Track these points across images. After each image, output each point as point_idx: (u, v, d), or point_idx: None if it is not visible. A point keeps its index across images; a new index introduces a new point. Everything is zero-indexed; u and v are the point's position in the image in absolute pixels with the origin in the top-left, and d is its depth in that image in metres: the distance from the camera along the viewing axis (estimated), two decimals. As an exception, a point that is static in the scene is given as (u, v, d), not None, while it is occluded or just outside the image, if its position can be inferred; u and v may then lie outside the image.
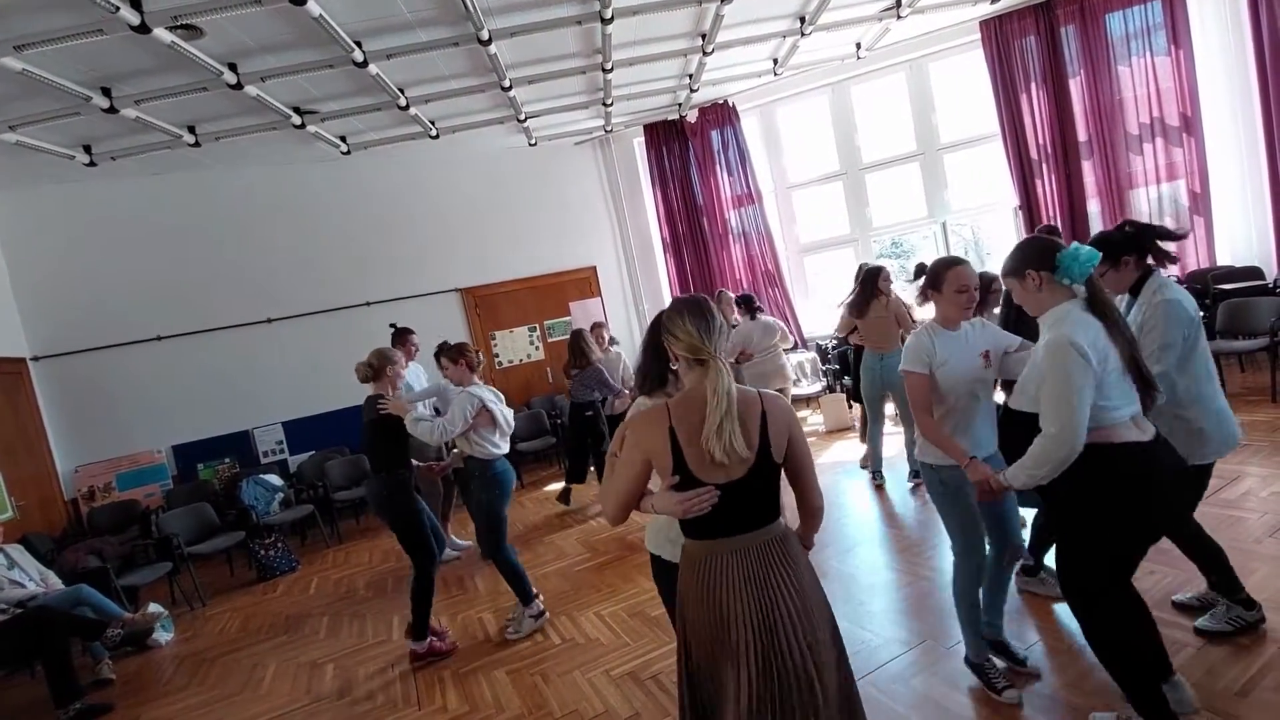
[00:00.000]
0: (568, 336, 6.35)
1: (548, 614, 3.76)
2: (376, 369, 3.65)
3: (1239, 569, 2.68)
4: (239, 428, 7.08)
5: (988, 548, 2.46)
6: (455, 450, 3.94)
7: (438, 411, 5.02)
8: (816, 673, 1.62)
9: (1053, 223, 6.94)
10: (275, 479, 6.58)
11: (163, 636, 4.65)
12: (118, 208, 6.71)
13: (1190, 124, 6.43)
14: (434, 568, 3.66)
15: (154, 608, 4.67)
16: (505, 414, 3.75)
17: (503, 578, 3.78)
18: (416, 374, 5.45)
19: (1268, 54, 5.80)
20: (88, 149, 5.64)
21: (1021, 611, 2.94)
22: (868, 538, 4.17)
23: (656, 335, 1.85)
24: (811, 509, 1.87)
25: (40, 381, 6.52)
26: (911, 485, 4.78)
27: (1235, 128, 6.38)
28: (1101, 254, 2.04)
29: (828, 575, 3.64)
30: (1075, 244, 1.94)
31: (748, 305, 5.80)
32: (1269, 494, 3.54)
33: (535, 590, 3.82)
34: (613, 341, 6.57)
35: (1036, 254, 1.98)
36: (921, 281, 2.44)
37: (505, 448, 3.75)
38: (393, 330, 5.51)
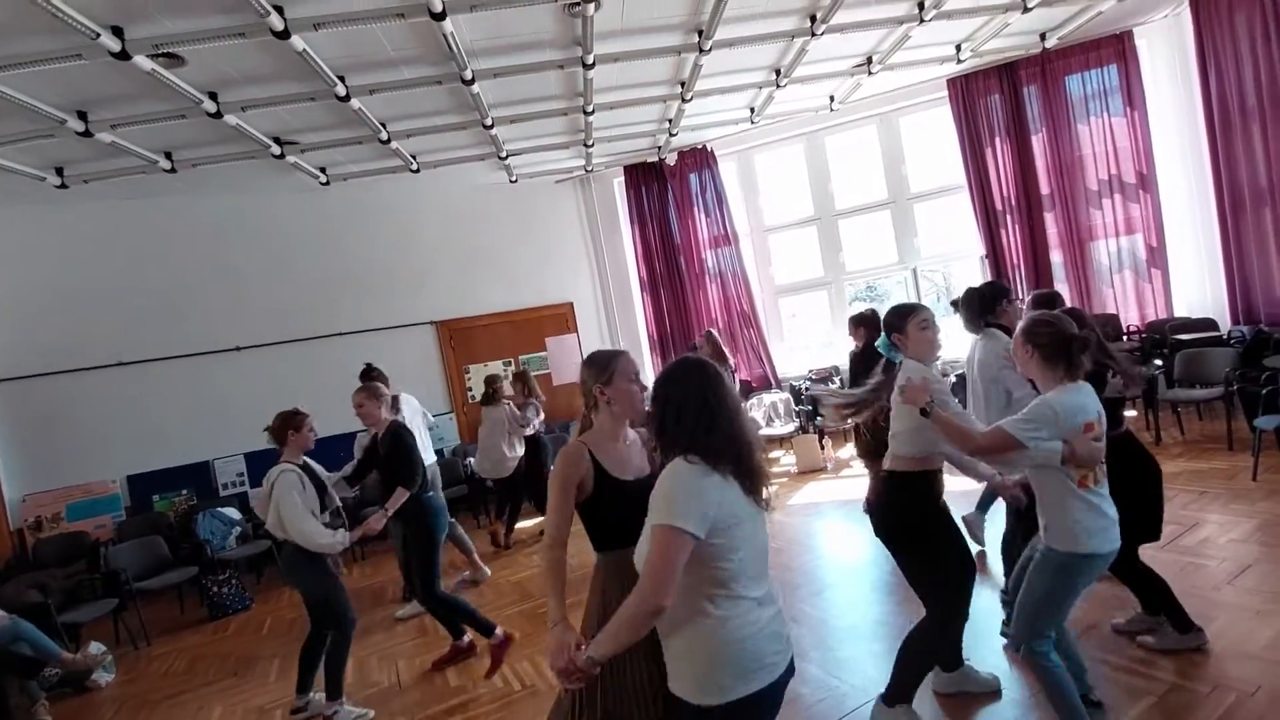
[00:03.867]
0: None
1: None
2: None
3: (1198, 617, 2.72)
4: (199, 458, 6.88)
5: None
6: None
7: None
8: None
9: (1017, 271, 7.17)
10: (233, 512, 6.38)
11: (103, 677, 4.42)
12: (87, 230, 6.60)
13: (1146, 181, 6.73)
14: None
15: (95, 648, 4.47)
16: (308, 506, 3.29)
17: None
18: (412, 406, 5.21)
19: (1216, 117, 6.12)
20: (59, 171, 5.57)
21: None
22: (839, 580, 4.15)
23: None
24: None
25: (-7, 406, 6.30)
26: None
27: (1188, 185, 6.69)
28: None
29: (798, 620, 3.60)
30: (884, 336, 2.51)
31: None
32: (1227, 540, 3.59)
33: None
34: None
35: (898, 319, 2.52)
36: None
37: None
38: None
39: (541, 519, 6.13)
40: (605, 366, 1.92)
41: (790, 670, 1.59)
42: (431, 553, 3.73)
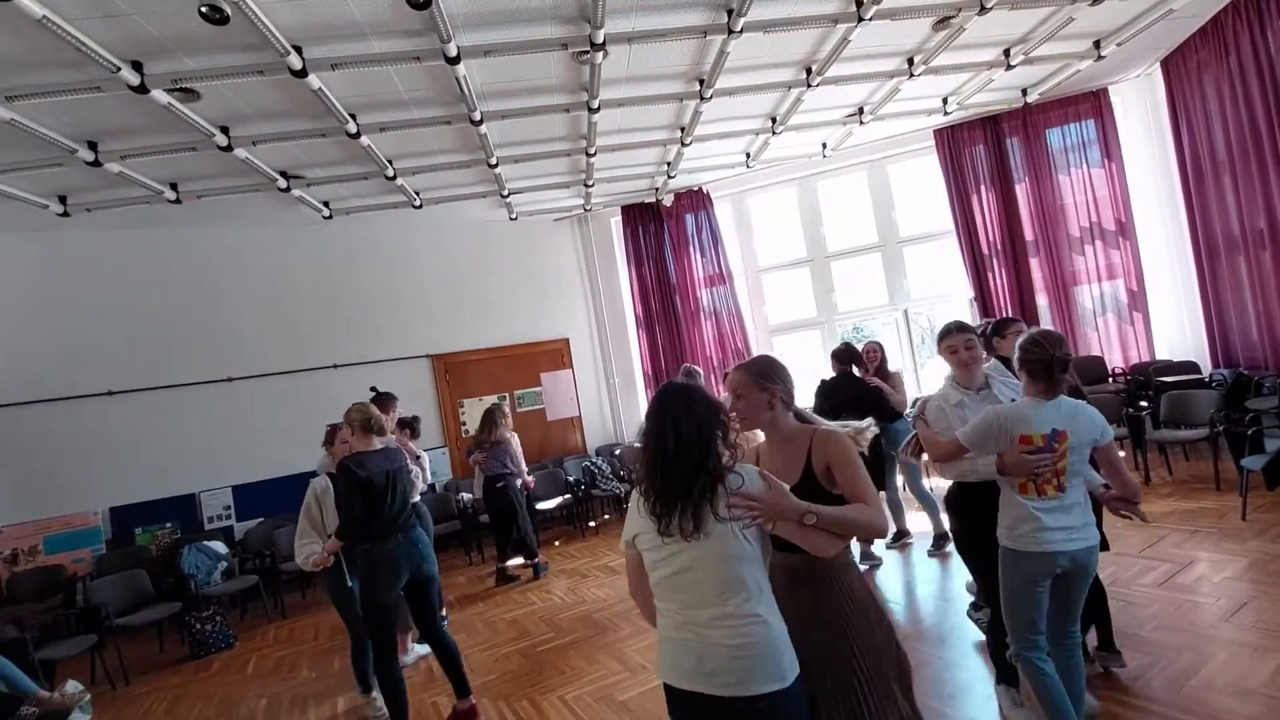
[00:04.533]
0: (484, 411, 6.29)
1: None
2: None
3: (1198, 653, 2.75)
4: (185, 490, 6.74)
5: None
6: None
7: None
8: None
9: (1004, 313, 7.33)
10: (219, 546, 6.23)
11: (80, 718, 4.23)
12: (85, 258, 6.58)
13: (1125, 229, 6.99)
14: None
15: (72, 686, 4.29)
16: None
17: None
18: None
19: (1189, 169, 6.41)
20: (63, 199, 5.60)
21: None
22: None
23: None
24: None
25: (-24, 434, 6.17)
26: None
27: (1165, 233, 6.96)
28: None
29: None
30: None
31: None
32: (1221, 579, 3.64)
33: None
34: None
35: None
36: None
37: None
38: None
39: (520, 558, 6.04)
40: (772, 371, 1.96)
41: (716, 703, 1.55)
42: (369, 610, 3.23)
